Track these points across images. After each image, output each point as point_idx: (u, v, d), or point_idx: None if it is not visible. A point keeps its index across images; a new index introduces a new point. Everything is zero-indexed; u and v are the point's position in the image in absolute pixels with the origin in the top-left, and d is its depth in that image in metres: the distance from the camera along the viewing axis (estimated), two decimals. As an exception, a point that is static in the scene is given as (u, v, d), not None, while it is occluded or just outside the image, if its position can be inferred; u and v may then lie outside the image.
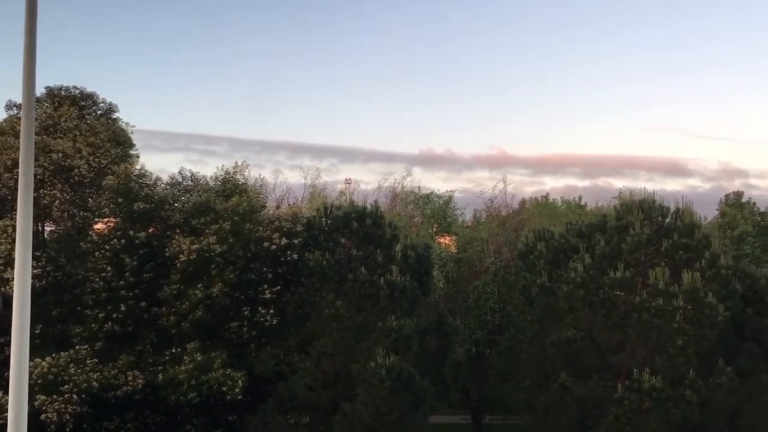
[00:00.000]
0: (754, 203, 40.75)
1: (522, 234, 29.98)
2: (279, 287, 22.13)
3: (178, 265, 21.34)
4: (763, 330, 21.72)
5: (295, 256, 22.46)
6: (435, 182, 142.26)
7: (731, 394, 20.30)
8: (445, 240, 35.96)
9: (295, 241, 22.68)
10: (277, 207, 30.49)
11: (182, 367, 20.61)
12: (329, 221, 23.01)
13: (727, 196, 41.59)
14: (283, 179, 37.85)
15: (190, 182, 24.38)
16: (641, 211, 21.70)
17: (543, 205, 40.30)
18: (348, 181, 47.93)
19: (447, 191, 37.76)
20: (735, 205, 39.99)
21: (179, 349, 21.34)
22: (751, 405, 20.94)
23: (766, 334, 21.69)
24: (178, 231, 22.61)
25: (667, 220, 21.85)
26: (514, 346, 24.71)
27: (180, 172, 24.25)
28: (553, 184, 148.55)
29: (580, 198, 43.42)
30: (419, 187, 36.82)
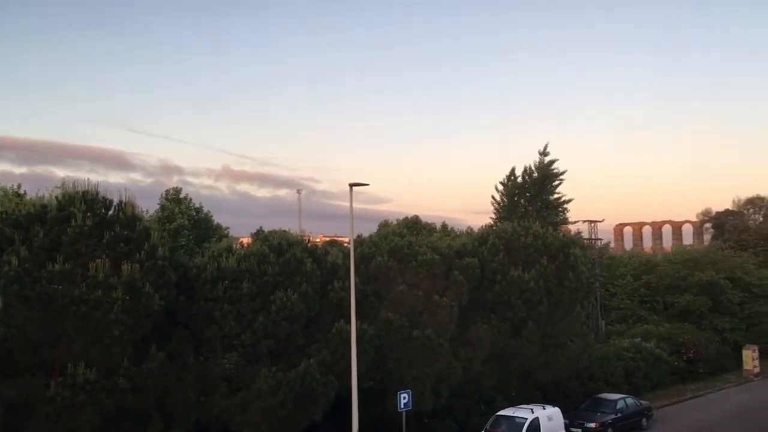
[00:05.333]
0: (190, 199, 44.47)
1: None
2: None
3: None
4: (192, 315, 24.05)
5: None
6: None
7: (161, 377, 21.87)
8: None
9: None
10: None
11: None
12: None
13: (167, 191, 44.34)
14: None
15: None
16: (84, 203, 21.52)
17: (-26, 190, 35.68)
18: None
19: None
20: (174, 200, 42.91)
21: None
22: (179, 385, 22.97)
23: (195, 318, 24.08)
24: None
25: (110, 212, 22.19)
26: None
27: None
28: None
29: (19, 186, 39.96)
30: None
